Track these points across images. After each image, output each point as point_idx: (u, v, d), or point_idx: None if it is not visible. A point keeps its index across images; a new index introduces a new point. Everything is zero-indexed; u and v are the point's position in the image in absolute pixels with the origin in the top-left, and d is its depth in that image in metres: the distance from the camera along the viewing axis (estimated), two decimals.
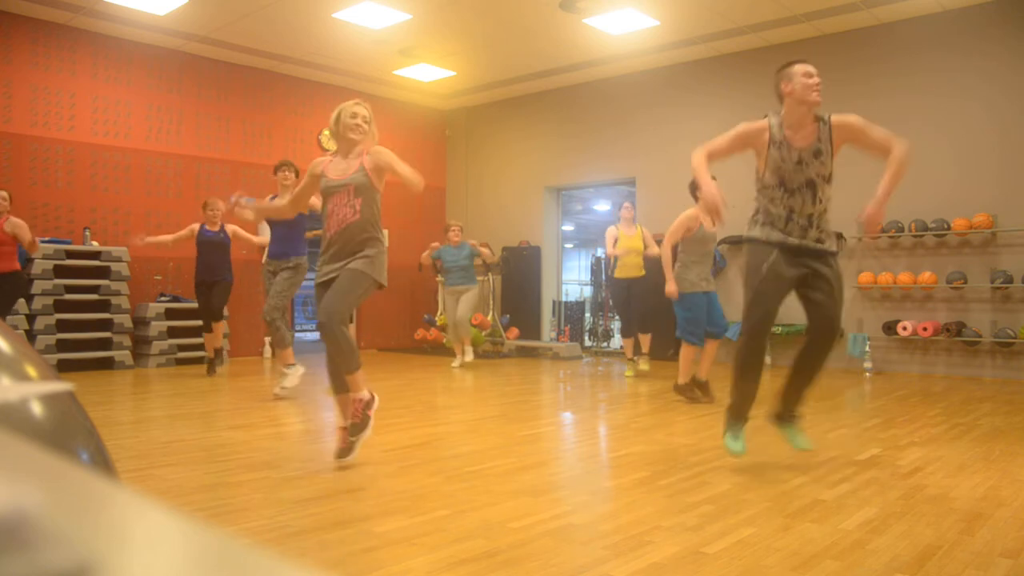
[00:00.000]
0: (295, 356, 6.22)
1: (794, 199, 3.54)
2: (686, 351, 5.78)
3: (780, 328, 8.50)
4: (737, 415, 3.68)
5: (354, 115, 3.73)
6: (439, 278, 11.08)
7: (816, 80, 3.52)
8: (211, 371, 7.47)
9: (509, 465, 3.72)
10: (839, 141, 3.58)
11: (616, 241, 7.30)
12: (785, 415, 3.75)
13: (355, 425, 3.64)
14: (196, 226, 7.34)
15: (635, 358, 7.79)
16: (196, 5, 7.88)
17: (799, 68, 3.55)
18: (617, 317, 7.78)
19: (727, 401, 3.77)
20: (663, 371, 7.87)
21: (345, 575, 2.28)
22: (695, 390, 5.80)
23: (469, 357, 8.56)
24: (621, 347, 9.01)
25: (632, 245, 7.35)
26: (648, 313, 7.63)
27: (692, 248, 5.77)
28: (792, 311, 8.93)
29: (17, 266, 6.43)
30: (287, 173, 6.07)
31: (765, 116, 3.63)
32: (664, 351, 9.32)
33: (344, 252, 3.67)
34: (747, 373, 3.63)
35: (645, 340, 7.67)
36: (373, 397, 3.71)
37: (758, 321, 3.54)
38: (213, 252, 7.28)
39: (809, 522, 2.77)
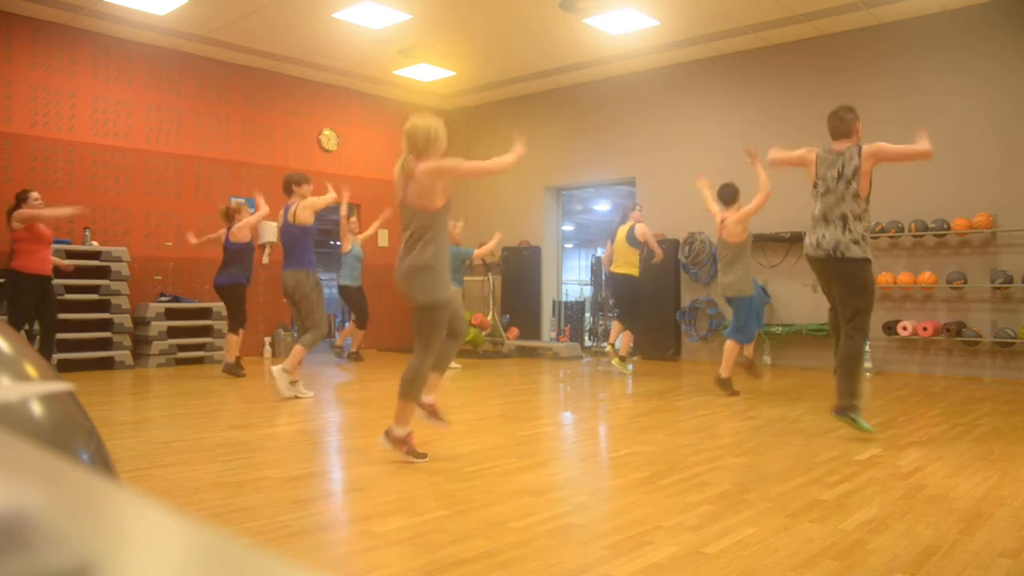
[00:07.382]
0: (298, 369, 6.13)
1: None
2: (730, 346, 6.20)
3: (780, 328, 8.51)
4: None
5: (406, 133, 3.72)
6: None
7: None
8: (236, 372, 7.41)
9: (509, 465, 3.72)
10: None
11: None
12: (838, 408, 4.36)
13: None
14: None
15: (626, 356, 7.73)
16: (196, 5, 7.87)
17: None
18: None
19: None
20: (663, 370, 7.87)
21: (345, 575, 2.28)
22: (731, 385, 6.11)
23: (456, 364, 8.20)
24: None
25: (619, 237, 7.59)
26: (628, 311, 7.64)
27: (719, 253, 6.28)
28: (791, 312, 8.88)
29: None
30: (308, 186, 6.12)
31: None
32: (663, 351, 9.33)
33: (403, 267, 3.73)
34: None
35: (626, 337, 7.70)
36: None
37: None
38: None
39: (809, 522, 2.77)
